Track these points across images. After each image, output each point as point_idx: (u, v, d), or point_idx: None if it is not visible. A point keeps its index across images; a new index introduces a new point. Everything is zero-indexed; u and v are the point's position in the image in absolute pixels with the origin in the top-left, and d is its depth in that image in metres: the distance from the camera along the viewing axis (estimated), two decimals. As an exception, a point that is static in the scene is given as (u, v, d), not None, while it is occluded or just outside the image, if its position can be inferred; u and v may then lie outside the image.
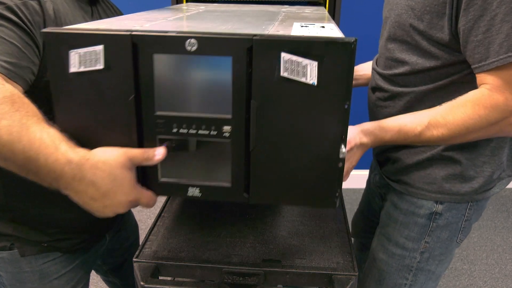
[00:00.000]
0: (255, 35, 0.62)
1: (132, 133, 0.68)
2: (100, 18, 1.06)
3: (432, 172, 1.01)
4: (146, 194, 0.72)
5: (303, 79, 0.63)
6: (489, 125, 0.86)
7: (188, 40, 0.63)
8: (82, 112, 0.69)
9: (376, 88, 1.10)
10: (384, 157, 1.12)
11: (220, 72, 0.65)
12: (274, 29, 0.72)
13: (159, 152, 0.69)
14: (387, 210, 1.12)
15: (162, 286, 0.80)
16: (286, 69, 0.62)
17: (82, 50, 0.65)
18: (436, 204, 1.02)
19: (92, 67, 0.66)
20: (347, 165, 0.91)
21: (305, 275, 0.84)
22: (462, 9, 0.84)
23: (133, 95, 0.66)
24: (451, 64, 0.92)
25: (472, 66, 0.87)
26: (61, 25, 0.86)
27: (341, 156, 0.67)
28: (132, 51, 0.64)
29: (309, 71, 0.62)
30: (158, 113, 0.67)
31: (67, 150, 0.66)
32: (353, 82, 1.29)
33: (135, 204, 0.71)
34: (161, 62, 0.65)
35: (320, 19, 0.92)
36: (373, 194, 1.27)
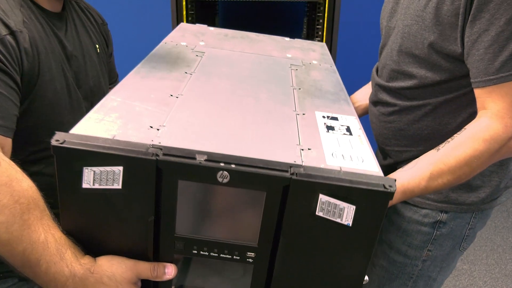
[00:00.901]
0: (291, 168, 0.58)
1: (148, 251, 0.64)
2: (76, 30, 1.03)
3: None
4: None
5: (338, 220, 0.60)
6: (490, 156, 0.84)
7: (220, 171, 0.58)
8: (93, 226, 0.63)
9: (378, 102, 1.07)
10: (387, 166, 1.09)
11: (251, 204, 0.60)
12: (302, 139, 0.68)
13: (169, 272, 0.65)
14: (389, 217, 1.11)
15: None
16: (322, 209, 0.59)
17: (98, 169, 0.58)
18: (441, 213, 1.02)
19: (108, 186, 0.59)
20: None
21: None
22: (469, 20, 0.82)
23: (153, 217, 0.61)
24: (463, 76, 0.89)
25: (471, 80, 0.85)
26: (38, 54, 0.85)
27: (364, 283, 0.66)
28: (156, 175, 0.58)
29: (345, 214, 0.59)
30: (178, 234, 0.63)
31: (72, 261, 0.61)
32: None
33: None
34: (187, 188, 0.60)
35: (336, 94, 0.88)
36: None
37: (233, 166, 0.58)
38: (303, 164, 0.61)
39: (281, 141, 0.67)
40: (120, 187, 0.59)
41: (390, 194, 0.58)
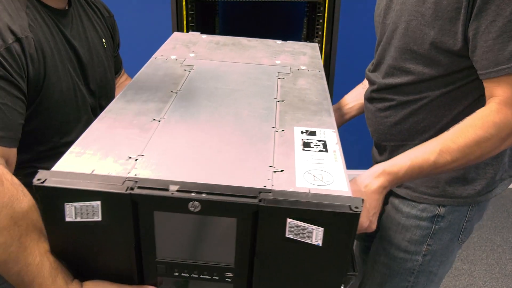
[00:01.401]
0: (260, 193, 0.61)
1: (133, 276, 0.68)
2: (83, 26, 1.03)
3: (434, 176, 1.00)
4: None
5: (308, 241, 0.62)
6: (500, 140, 0.85)
7: (191, 202, 0.61)
8: (79, 254, 0.67)
9: (374, 98, 1.08)
10: (384, 162, 1.09)
11: (223, 229, 0.63)
12: (276, 160, 0.70)
13: None
14: (388, 213, 1.13)
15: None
16: (291, 232, 0.62)
17: (78, 204, 0.62)
18: (439, 207, 1.03)
19: (89, 218, 0.63)
20: (364, 214, 0.87)
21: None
22: (474, 13, 0.82)
23: (133, 244, 0.65)
24: (459, 70, 0.90)
25: (479, 72, 0.85)
26: (44, 58, 0.87)
27: None
28: (132, 207, 0.62)
29: (314, 235, 0.62)
30: (159, 259, 0.67)
31: (62, 286, 0.66)
32: (346, 116, 1.29)
33: None
34: (163, 218, 0.63)
35: (319, 104, 0.90)
36: None
37: (203, 195, 0.61)
38: (273, 188, 0.63)
39: (255, 163, 0.69)
40: (100, 219, 0.63)
41: (356, 216, 0.60)
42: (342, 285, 0.68)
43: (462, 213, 1.04)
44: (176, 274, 0.68)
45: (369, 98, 1.11)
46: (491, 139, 0.84)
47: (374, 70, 1.09)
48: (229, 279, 0.67)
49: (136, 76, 0.99)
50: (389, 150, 1.09)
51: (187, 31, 1.66)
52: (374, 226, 0.90)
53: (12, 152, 0.78)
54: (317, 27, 1.77)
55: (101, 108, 1.09)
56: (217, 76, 1.00)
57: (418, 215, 1.05)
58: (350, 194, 0.63)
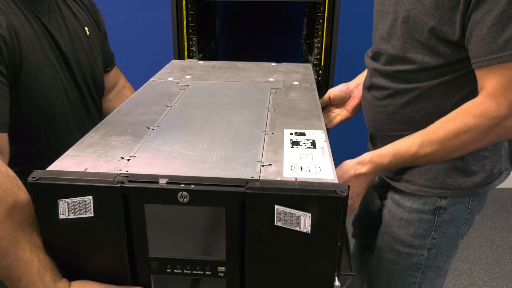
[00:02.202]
0: (248, 183, 0.62)
1: (125, 271, 0.68)
2: (62, 15, 1.00)
3: (433, 168, 1.01)
4: None
5: (296, 228, 0.63)
6: (481, 133, 0.86)
7: (180, 192, 0.62)
8: (73, 252, 0.68)
9: (373, 87, 1.08)
10: None
11: (213, 220, 0.64)
12: (265, 156, 0.72)
13: None
14: (389, 209, 1.12)
15: None
16: (279, 220, 0.62)
17: (71, 200, 0.64)
18: (440, 199, 1.03)
19: (82, 214, 0.64)
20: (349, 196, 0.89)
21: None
22: (473, 2, 0.83)
23: (125, 240, 0.66)
24: (458, 61, 0.91)
25: (472, 61, 0.86)
26: (19, 42, 0.84)
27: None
28: (123, 201, 0.63)
29: (302, 222, 0.62)
30: (152, 255, 0.67)
31: (49, 284, 0.66)
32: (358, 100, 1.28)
33: None
34: (153, 211, 0.64)
35: (309, 110, 0.92)
36: (371, 196, 1.27)
37: (192, 186, 0.62)
38: (260, 178, 0.64)
39: (244, 159, 0.71)
40: (92, 215, 0.64)
41: (342, 199, 0.61)
42: (339, 283, 0.67)
43: (464, 205, 1.04)
44: (169, 271, 0.68)
45: (368, 86, 1.11)
46: (469, 132, 0.86)
47: (374, 58, 1.10)
48: (221, 274, 0.67)
49: (133, 95, 1.03)
50: (385, 141, 1.07)
51: (187, 31, 1.67)
52: (356, 206, 0.97)
53: (3, 138, 0.77)
54: (317, 27, 1.77)
55: (92, 98, 1.09)
56: (211, 93, 1.04)
57: (420, 209, 1.05)
58: (336, 182, 0.64)
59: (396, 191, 1.09)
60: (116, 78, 1.28)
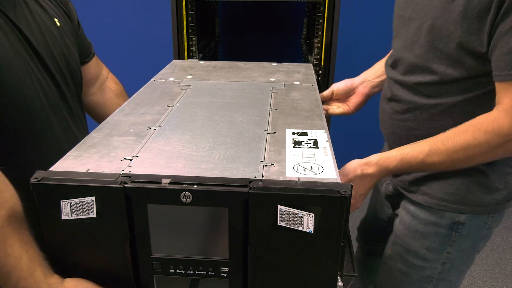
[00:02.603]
0: (250, 183, 0.62)
1: (128, 272, 0.68)
2: (28, 7, 0.96)
3: (455, 182, 0.98)
4: None
5: (300, 228, 0.63)
6: (490, 149, 0.84)
7: (183, 192, 0.62)
8: (75, 252, 0.68)
9: (393, 99, 1.05)
10: None
11: (216, 220, 0.64)
12: (267, 156, 0.71)
13: None
14: (403, 220, 1.09)
15: None
16: (282, 220, 0.62)
17: (73, 201, 0.64)
18: (459, 214, 1.00)
19: (84, 215, 0.64)
20: (352, 194, 0.87)
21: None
22: (501, 13, 0.80)
23: (128, 240, 0.65)
24: (483, 74, 0.88)
25: (494, 74, 0.84)
26: None
27: None
28: (126, 201, 0.63)
29: (306, 222, 0.62)
30: (155, 255, 0.67)
31: (40, 279, 0.65)
32: (375, 89, 1.26)
33: None
34: (156, 211, 0.64)
35: (311, 110, 0.92)
36: (382, 204, 1.24)
37: (195, 186, 0.62)
38: (263, 178, 0.64)
39: (246, 159, 0.71)
40: (95, 215, 0.64)
41: (345, 199, 0.60)
42: (342, 284, 0.67)
43: (483, 220, 1.01)
44: (172, 271, 0.68)
45: (388, 98, 1.08)
46: (479, 147, 0.84)
47: (393, 66, 1.06)
48: (224, 274, 0.67)
49: (134, 95, 1.03)
50: None
51: (187, 31, 1.67)
52: (358, 205, 0.95)
53: None
54: (317, 27, 1.76)
55: (70, 91, 1.04)
56: (213, 92, 1.04)
57: (437, 222, 1.02)
58: (339, 181, 0.64)
59: (411, 202, 1.06)
60: (97, 69, 1.23)
